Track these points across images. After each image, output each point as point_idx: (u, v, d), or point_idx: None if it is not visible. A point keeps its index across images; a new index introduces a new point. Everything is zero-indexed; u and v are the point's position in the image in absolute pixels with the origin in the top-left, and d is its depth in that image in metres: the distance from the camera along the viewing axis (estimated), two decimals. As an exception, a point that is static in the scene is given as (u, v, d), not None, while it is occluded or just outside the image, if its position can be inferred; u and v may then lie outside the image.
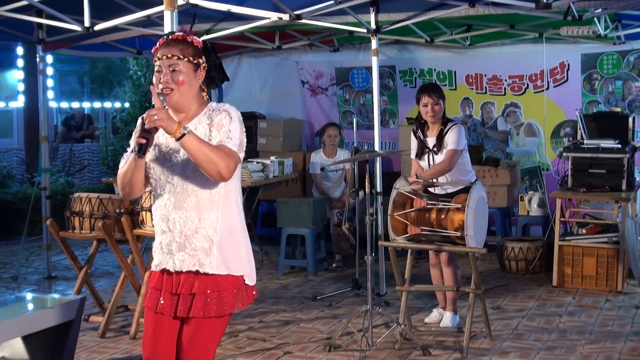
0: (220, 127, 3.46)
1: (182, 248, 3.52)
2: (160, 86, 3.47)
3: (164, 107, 3.44)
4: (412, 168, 6.49)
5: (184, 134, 3.32)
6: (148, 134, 3.39)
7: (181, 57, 3.48)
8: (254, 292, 3.68)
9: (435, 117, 6.28)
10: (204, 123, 3.50)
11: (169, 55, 3.47)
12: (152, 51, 3.57)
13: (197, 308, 3.50)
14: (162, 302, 3.57)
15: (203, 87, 3.62)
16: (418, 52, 10.50)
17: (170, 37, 3.55)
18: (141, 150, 3.41)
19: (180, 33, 3.56)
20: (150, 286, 3.65)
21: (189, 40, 3.54)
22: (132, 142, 3.54)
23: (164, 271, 3.59)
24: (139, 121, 3.52)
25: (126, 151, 3.62)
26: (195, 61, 3.52)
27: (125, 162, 3.57)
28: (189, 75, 3.50)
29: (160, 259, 3.61)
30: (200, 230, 3.51)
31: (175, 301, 3.54)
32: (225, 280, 3.53)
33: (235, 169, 3.50)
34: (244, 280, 3.60)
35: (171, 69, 3.47)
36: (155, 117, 3.31)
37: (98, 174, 14.59)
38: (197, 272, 3.52)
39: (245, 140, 3.57)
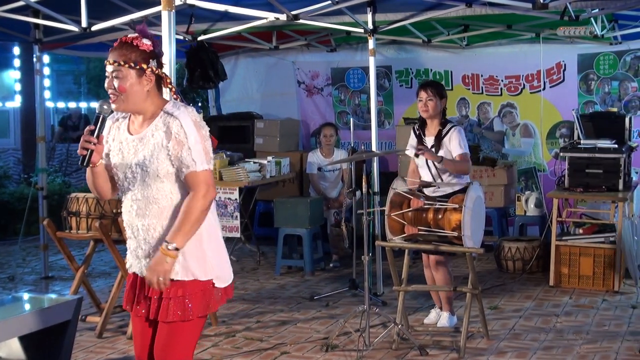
0: (181, 145, 3.42)
1: (147, 255, 3.53)
2: (109, 91, 3.47)
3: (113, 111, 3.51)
4: (411, 164, 6.48)
5: (177, 249, 3.41)
6: (89, 144, 3.42)
7: (122, 63, 3.42)
8: (227, 292, 3.67)
9: (428, 112, 6.27)
10: (160, 130, 3.46)
11: (111, 62, 3.45)
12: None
13: (162, 312, 3.51)
14: (136, 303, 3.60)
15: (172, 86, 3.60)
16: (415, 52, 10.51)
17: (119, 41, 3.50)
18: (83, 161, 3.44)
19: (131, 36, 3.50)
20: (127, 288, 3.69)
21: (135, 44, 3.47)
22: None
23: (136, 273, 3.63)
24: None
25: None
26: (137, 67, 3.45)
27: None
28: (131, 81, 3.44)
29: (131, 262, 3.65)
30: (163, 237, 3.48)
31: (147, 304, 3.56)
32: (192, 284, 3.51)
33: (212, 181, 3.49)
34: (214, 284, 3.58)
35: (114, 75, 3.44)
36: (163, 283, 3.43)
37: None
38: None
39: (208, 142, 3.51)
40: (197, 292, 3.52)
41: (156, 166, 3.44)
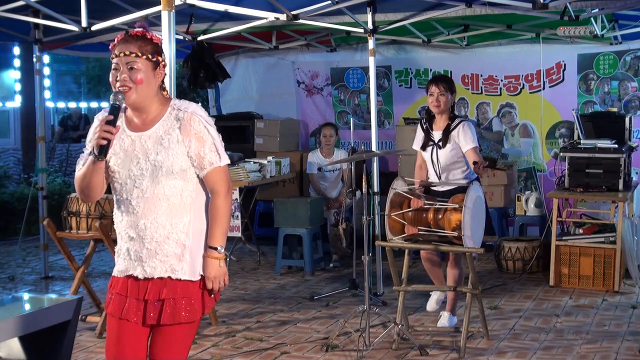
0: (202, 142, 3.40)
1: (153, 255, 3.43)
2: (118, 84, 3.36)
3: (123, 107, 3.38)
4: (418, 159, 6.48)
5: (216, 248, 3.47)
6: (109, 134, 3.30)
7: (139, 54, 3.35)
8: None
9: (439, 107, 6.24)
10: (174, 127, 3.40)
11: (127, 53, 3.35)
12: (110, 47, 3.45)
13: (167, 315, 3.41)
14: (127, 308, 3.46)
15: (163, 85, 3.51)
16: (415, 52, 10.51)
17: (129, 33, 3.42)
18: (101, 152, 3.32)
19: (140, 29, 3.42)
20: (113, 292, 3.54)
21: (149, 37, 3.41)
22: (90, 144, 3.45)
23: (130, 277, 3.50)
24: (96, 121, 3.45)
25: (82, 152, 3.54)
26: (154, 59, 3.40)
27: (83, 164, 3.46)
28: (147, 73, 3.38)
29: (126, 266, 3.51)
30: (171, 236, 3.42)
31: (142, 308, 3.45)
32: (195, 285, 3.47)
33: (229, 174, 3.53)
34: None
35: (129, 67, 3.35)
36: (222, 283, 3.51)
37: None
38: (168, 278, 3.44)
39: (220, 136, 3.52)
40: (199, 292, 3.48)
41: (171, 162, 3.38)
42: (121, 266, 3.53)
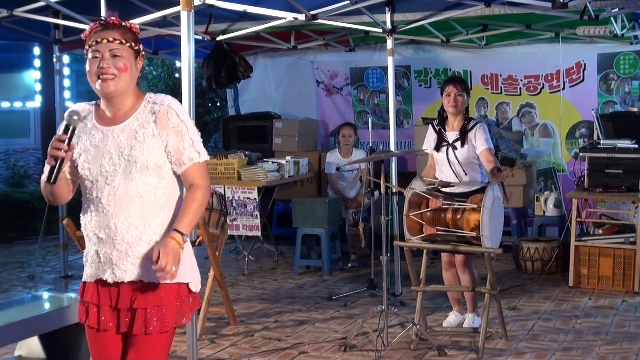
0: (181, 137, 3.23)
1: (124, 257, 3.23)
2: (103, 70, 3.18)
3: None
4: (429, 161, 6.45)
5: (182, 234, 3.18)
6: (58, 151, 3.10)
7: (123, 42, 3.20)
8: (197, 301, 3.43)
9: (457, 108, 6.19)
10: (149, 120, 3.23)
11: (111, 39, 3.18)
12: (83, 36, 3.27)
13: (139, 324, 3.24)
14: (103, 319, 3.30)
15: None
16: (434, 52, 10.50)
17: (106, 21, 3.24)
18: (51, 176, 3.12)
19: (116, 18, 3.27)
20: (85, 300, 3.36)
21: (128, 25, 3.27)
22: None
23: (99, 282, 3.31)
24: (66, 118, 3.23)
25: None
26: (136, 47, 3.26)
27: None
28: (130, 61, 3.22)
29: (95, 269, 3.31)
30: (144, 237, 3.23)
31: (116, 316, 3.30)
32: (168, 291, 3.28)
33: (208, 172, 3.36)
34: (189, 289, 3.36)
35: (112, 54, 3.18)
36: (170, 267, 3.11)
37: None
38: (140, 282, 3.25)
39: (199, 132, 3.36)
40: (173, 300, 3.29)
41: (146, 157, 3.20)
42: (90, 270, 3.33)
